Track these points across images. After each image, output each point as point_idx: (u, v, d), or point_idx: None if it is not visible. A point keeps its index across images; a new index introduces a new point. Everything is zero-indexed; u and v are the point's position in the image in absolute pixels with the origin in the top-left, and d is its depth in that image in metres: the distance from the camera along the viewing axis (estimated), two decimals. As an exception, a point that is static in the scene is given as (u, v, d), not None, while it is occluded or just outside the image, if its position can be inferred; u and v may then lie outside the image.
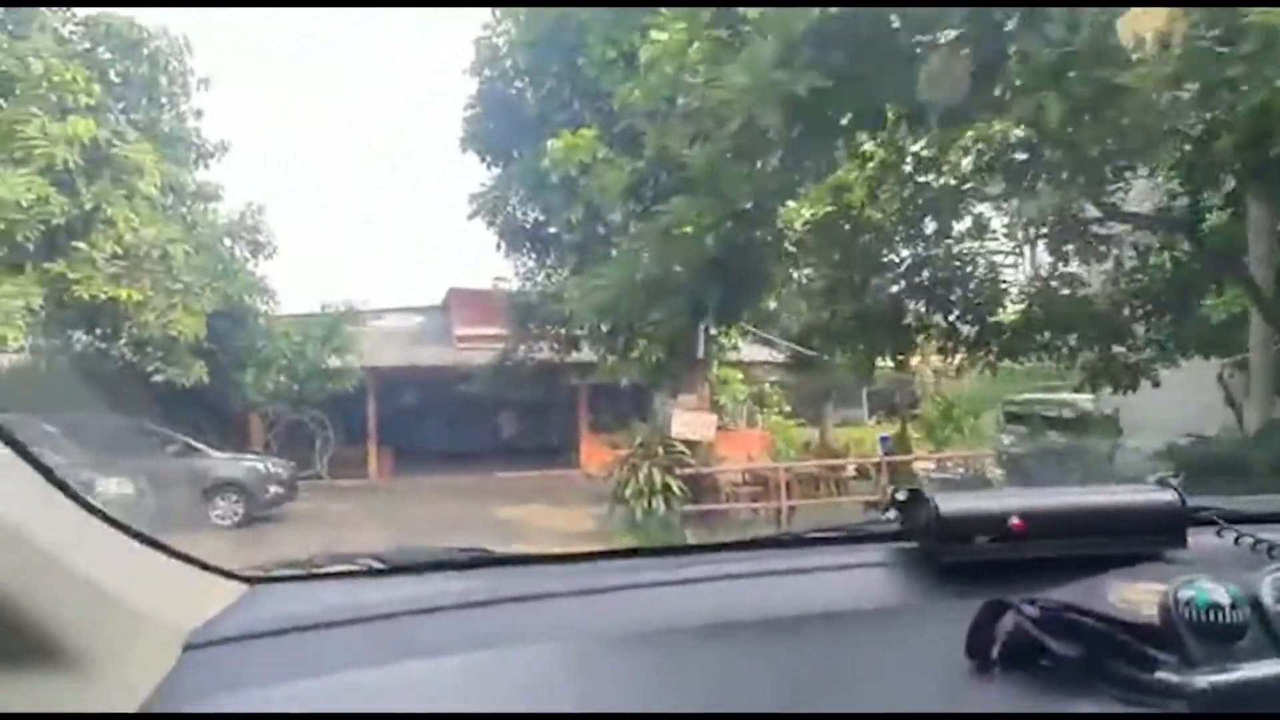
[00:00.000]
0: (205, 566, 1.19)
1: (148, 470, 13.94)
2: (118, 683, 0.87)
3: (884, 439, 20.22)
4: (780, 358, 22.88)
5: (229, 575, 1.23)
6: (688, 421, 13.47)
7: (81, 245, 10.56)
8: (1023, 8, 6.25)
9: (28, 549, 0.84)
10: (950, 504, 1.16)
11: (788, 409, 23.22)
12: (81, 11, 12.03)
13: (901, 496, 1.26)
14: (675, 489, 13.12)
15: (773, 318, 14.99)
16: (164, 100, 13.36)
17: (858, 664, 1.01)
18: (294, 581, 1.28)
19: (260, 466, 16.17)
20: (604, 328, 14.01)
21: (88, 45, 12.18)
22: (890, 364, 13.25)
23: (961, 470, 14.28)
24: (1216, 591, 0.85)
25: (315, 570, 1.32)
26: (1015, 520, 1.11)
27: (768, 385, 21.77)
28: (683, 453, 13.38)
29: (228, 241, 16.76)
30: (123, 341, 14.66)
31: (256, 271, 16.99)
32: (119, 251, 10.74)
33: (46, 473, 0.94)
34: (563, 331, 21.83)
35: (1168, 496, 1.17)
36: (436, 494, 20.04)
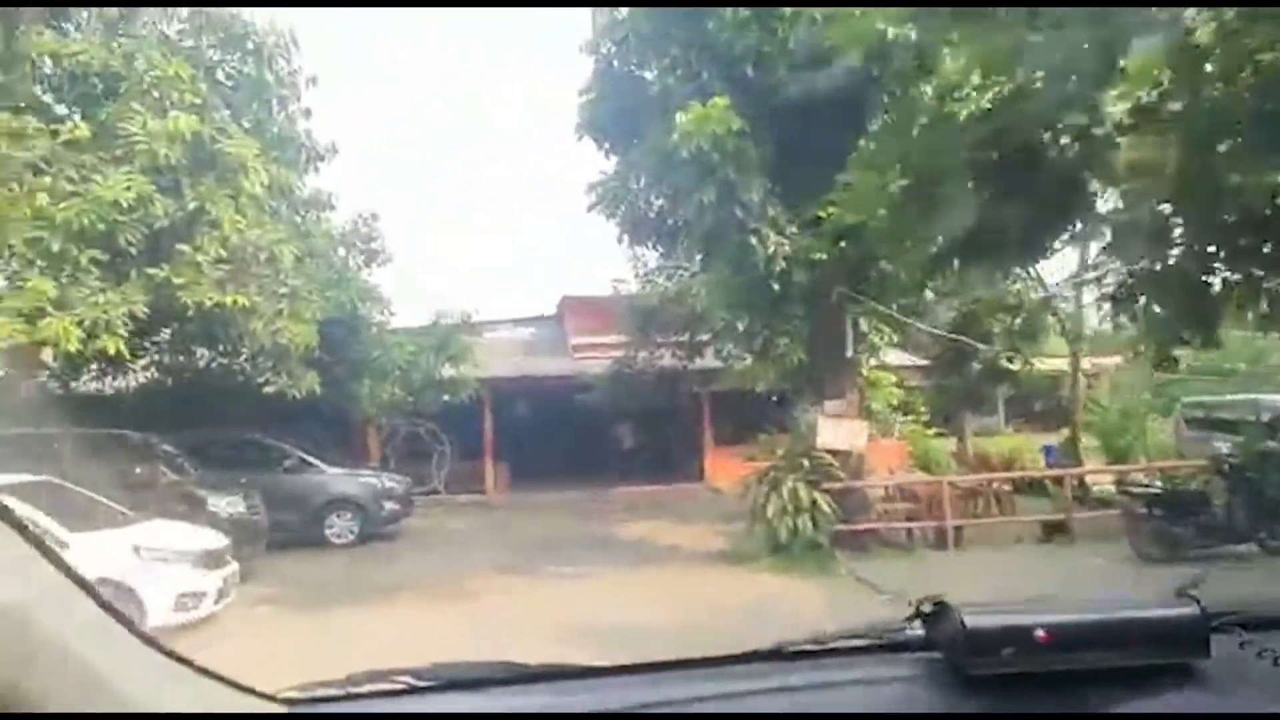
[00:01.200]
0: (246, 690, 1.13)
1: (263, 487, 13.39)
2: None
3: (1049, 449, 18.01)
4: (918, 360, 20.93)
5: (268, 698, 1.17)
6: (836, 430, 11.91)
7: (185, 248, 9.92)
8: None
9: (83, 668, 0.84)
10: (977, 617, 1.17)
11: (924, 417, 21.15)
12: (185, 10, 11.59)
13: (926, 608, 1.24)
14: (824, 506, 11.56)
15: (918, 310, 13.19)
16: (272, 101, 12.81)
17: None
18: (334, 702, 1.24)
19: (376, 482, 15.49)
20: (740, 325, 12.57)
21: (192, 43, 11.71)
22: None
23: (1158, 483, 12.11)
24: None
25: (354, 691, 1.26)
26: (1041, 633, 1.12)
27: (905, 392, 19.82)
28: (831, 465, 11.82)
29: (341, 251, 16.25)
30: (230, 351, 14.23)
31: (369, 280, 16.42)
32: (224, 255, 10.06)
33: (92, 592, 0.91)
34: (686, 337, 20.65)
35: (1189, 609, 1.17)
36: (554, 510, 19.07)
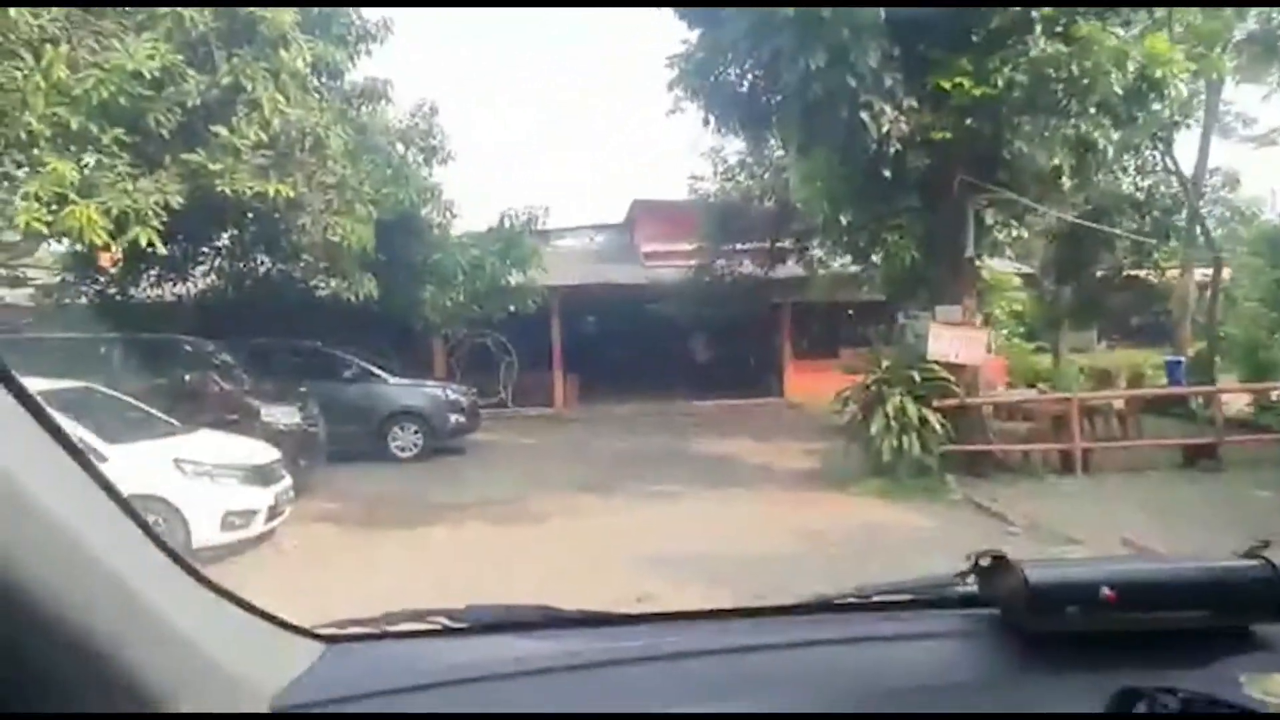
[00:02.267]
0: (284, 625, 1.15)
1: (323, 397, 12.64)
2: None
3: (1173, 364, 16.15)
4: (1021, 268, 19.07)
5: (306, 634, 1.19)
6: (951, 339, 10.45)
7: (221, 130, 8.81)
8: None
9: (126, 597, 0.84)
10: (1040, 571, 1.13)
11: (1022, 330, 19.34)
12: None
13: (984, 562, 1.18)
14: (935, 424, 10.22)
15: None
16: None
17: None
18: (371, 641, 1.24)
19: (441, 394, 14.65)
20: (844, 219, 11.03)
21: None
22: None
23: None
24: None
25: (390, 629, 1.26)
26: (1107, 591, 1.08)
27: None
28: (945, 379, 10.41)
29: (399, 147, 15.08)
30: (290, 255, 13.30)
31: (430, 178, 15.25)
32: (264, 139, 8.94)
33: (142, 524, 0.93)
34: (767, 244, 19.09)
35: (1261, 569, 1.12)
36: (627, 424, 18.11)
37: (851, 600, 1.31)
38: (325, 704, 1.02)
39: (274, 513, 8.68)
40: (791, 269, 19.46)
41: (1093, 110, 9.41)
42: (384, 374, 14.35)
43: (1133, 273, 15.04)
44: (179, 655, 0.89)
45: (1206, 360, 15.08)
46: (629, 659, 1.15)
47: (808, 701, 1.05)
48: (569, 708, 1.04)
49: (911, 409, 10.21)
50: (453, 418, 14.52)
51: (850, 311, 19.90)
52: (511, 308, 16.98)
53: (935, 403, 10.42)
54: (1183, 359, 16.16)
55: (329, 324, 14.27)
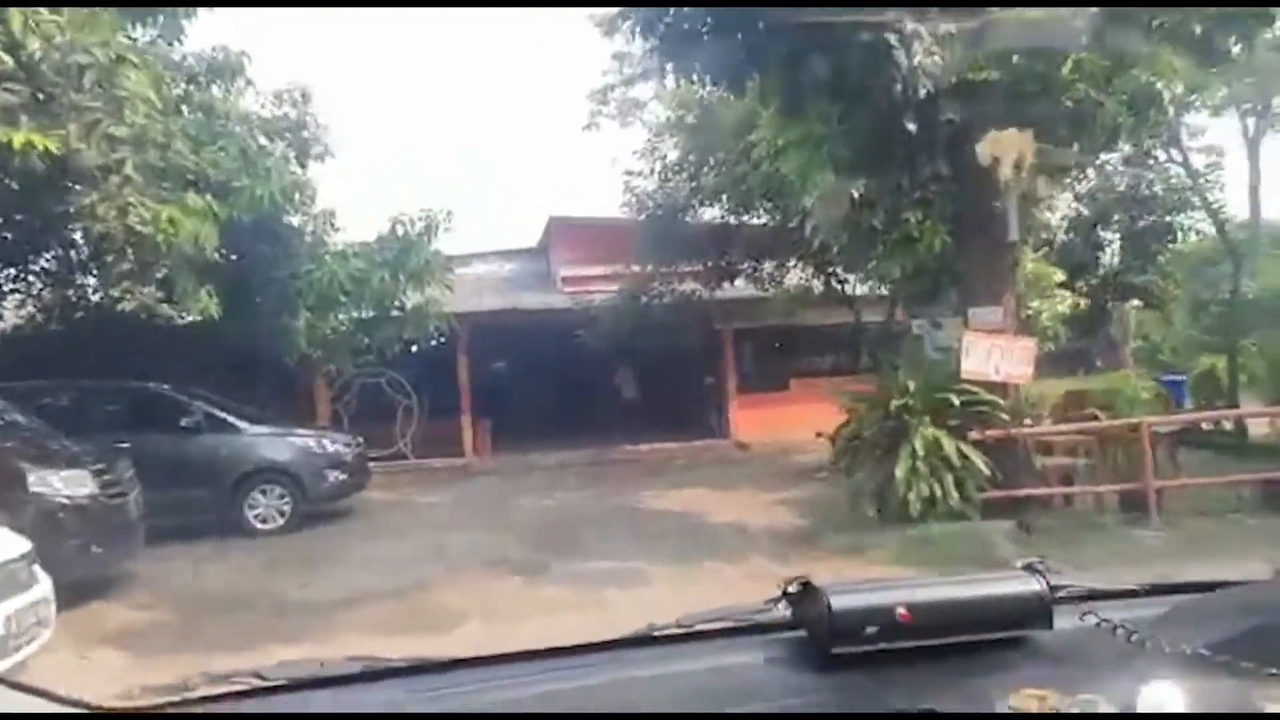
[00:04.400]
0: (54, 698, 1.06)
1: (153, 453, 9.34)
2: None
3: (1172, 383, 14.20)
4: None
5: (82, 706, 1.08)
6: (990, 352, 7.96)
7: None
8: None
9: None
10: (841, 596, 1.19)
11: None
12: None
13: (792, 588, 1.26)
14: (978, 464, 7.70)
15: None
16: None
17: None
18: (154, 715, 1.16)
19: (315, 445, 11.40)
20: (855, 191, 8.40)
21: None
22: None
23: None
24: (1099, 705, 0.95)
25: (187, 696, 1.16)
26: (902, 611, 1.16)
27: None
28: (990, 404, 7.92)
29: (262, 139, 11.96)
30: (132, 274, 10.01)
31: (301, 175, 12.17)
32: (11, 64, 5.81)
33: None
34: (711, 260, 16.48)
35: (1035, 584, 1.24)
36: (553, 475, 15.12)
37: (672, 632, 1.32)
38: None
39: (18, 636, 5.44)
40: (738, 289, 16.98)
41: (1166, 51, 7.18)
42: (239, 421, 11.02)
43: (1133, 280, 13.17)
44: None
45: (1214, 381, 13.19)
46: (442, 713, 1.14)
47: None
48: None
49: (948, 444, 7.66)
50: (332, 475, 11.27)
51: (808, 335, 17.50)
52: (408, 338, 13.91)
53: (974, 434, 7.91)
54: (1184, 378, 14.28)
55: (188, 362, 11.01)
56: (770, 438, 16.84)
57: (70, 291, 13.55)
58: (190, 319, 9.33)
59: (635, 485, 13.53)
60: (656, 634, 1.33)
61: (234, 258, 10.93)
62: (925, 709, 1.01)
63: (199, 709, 1.15)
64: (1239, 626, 1.19)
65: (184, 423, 10.56)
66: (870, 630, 1.16)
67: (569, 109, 53.02)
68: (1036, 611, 1.23)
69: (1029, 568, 1.30)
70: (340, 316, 12.52)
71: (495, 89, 51.98)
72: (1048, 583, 1.26)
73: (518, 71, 50.84)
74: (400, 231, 12.17)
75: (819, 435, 12.21)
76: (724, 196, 13.98)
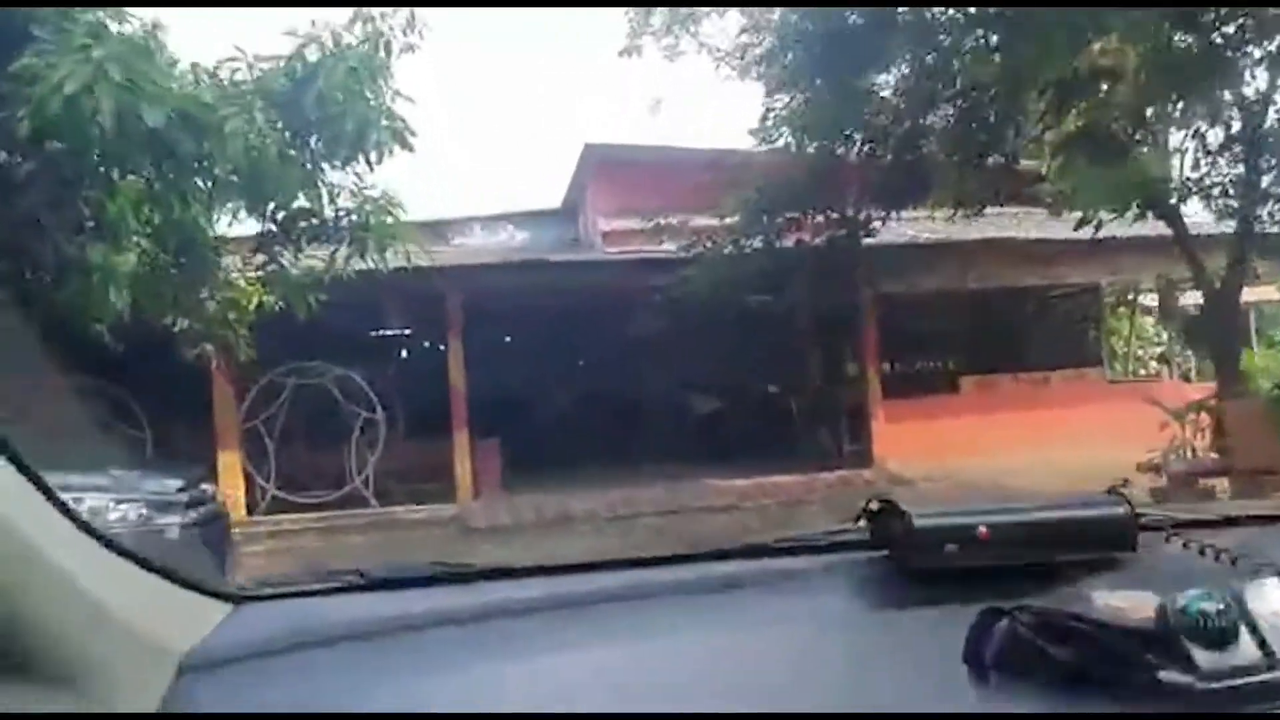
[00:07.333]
0: (193, 586, 1.14)
1: None
2: (117, 703, 0.90)
3: None
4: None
5: (215, 594, 1.18)
6: None
7: None
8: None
9: (25, 560, 0.85)
10: (923, 517, 1.21)
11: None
12: None
13: (874, 507, 1.27)
14: None
15: None
16: None
17: (848, 666, 1.08)
18: (280, 600, 1.24)
19: (110, 502, 5.03)
20: None
21: None
22: None
23: None
24: (1207, 599, 0.90)
25: (300, 588, 1.26)
26: (982, 529, 1.18)
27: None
28: None
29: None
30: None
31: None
32: None
33: (38, 482, 0.91)
34: (851, 197, 10.19)
35: (1119, 507, 1.24)
36: (606, 537, 8.85)
37: (757, 546, 1.36)
38: (232, 661, 1.04)
39: None
40: (904, 230, 10.75)
41: None
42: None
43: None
44: (82, 617, 0.89)
45: None
46: (537, 608, 1.18)
47: (721, 639, 1.12)
48: (477, 657, 1.09)
49: None
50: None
51: (991, 305, 11.29)
52: (362, 293, 7.63)
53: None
54: None
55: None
56: (937, 466, 10.62)
57: None
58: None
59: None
60: (738, 548, 1.36)
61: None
62: (1019, 604, 0.98)
63: (313, 603, 1.22)
64: None
65: None
66: (950, 547, 1.16)
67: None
68: (1120, 533, 1.22)
69: (1111, 491, 1.29)
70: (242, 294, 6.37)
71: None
72: (1132, 507, 1.24)
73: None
74: (312, 56, 5.81)
75: (1144, 469, 6.96)
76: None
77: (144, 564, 1.06)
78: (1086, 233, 7.48)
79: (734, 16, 13.92)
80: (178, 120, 4.93)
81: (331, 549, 9.16)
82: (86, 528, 0.98)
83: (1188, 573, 1.05)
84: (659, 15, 20.19)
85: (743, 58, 11.91)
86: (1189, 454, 7.20)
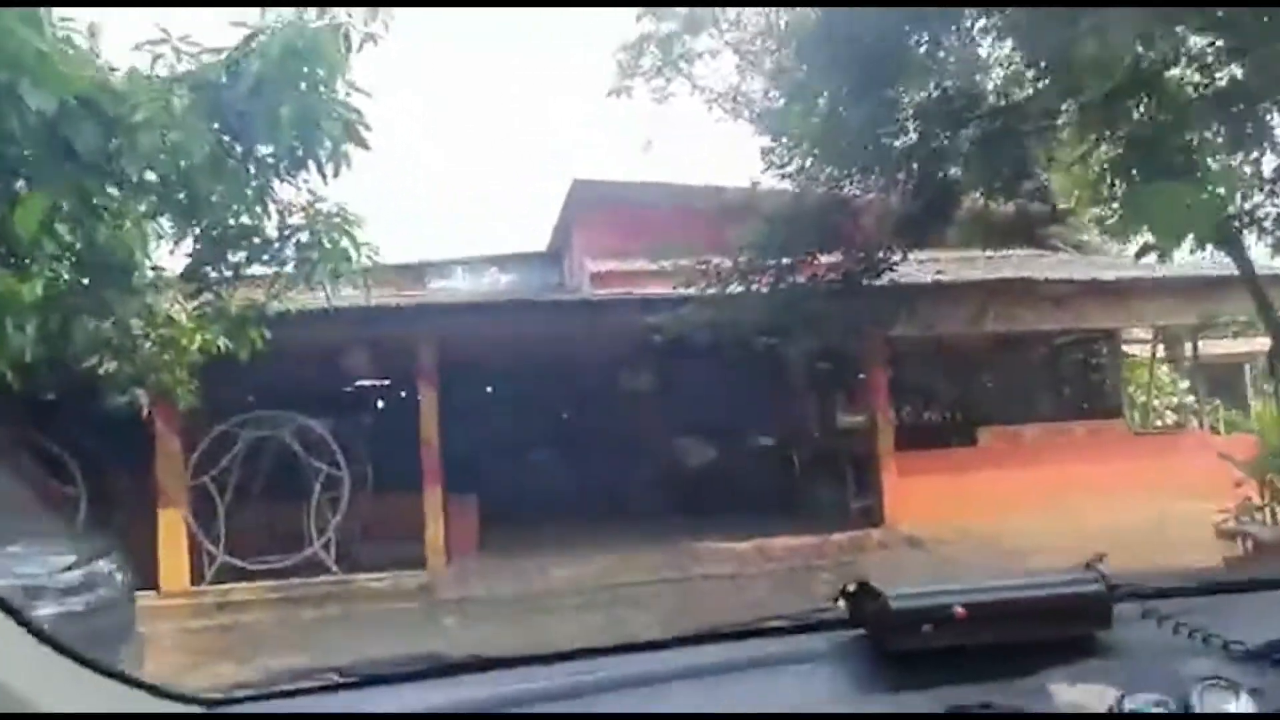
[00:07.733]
0: (163, 694, 1.09)
1: None
2: None
3: None
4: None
5: (187, 700, 1.13)
6: None
7: None
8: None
9: None
10: (900, 597, 1.21)
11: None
12: None
13: (851, 588, 1.27)
14: None
15: None
16: None
17: None
18: (256, 701, 1.20)
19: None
20: None
21: None
22: None
23: None
24: (1157, 704, 0.96)
25: (277, 689, 1.21)
26: (959, 609, 1.17)
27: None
28: None
29: None
30: None
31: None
32: None
33: (9, 610, 0.87)
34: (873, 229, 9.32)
35: (1093, 584, 1.23)
36: (594, 612, 7.79)
37: (738, 629, 1.35)
38: None
39: None
40: (924, 269, 9.94)
41: None
42: None
43: None
44: None
45: None
46: (525, 700, 1.18)
47: None
48: None
49: None
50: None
51: (1007, 352, 10.47)
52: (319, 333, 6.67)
53: None
54: None
55: None
56: (954, 527, 9.65)
57: None
58: None
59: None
60: (718, 631, 1.37)
61: None
62: (983, 703, 1.02)
63: (287, 707, 1.19)
64: None
65: None
66: (927, 628, 1.16)
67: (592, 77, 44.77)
68: (1095, 610, 1.22)
69: (1088, 566, 1.28)
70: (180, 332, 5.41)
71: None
72: (1107, 581, 1.24)
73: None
74: (257, 42, 4.92)
75: (1222, 534, 6.02)
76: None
77: (100, 669, 1.01)
78: (1109, 275, 6.76)
79: (727, 58, 13.25)
80: (77, 109, 4.01)
81: (281, 624, 8.04)
82: (58, 646, 0.93)
83: (1159, 653, 1.12)
84: (648, 57, 19.47)
85: (735, 100, 11.28)
86: (1272, 517, 6.28)
